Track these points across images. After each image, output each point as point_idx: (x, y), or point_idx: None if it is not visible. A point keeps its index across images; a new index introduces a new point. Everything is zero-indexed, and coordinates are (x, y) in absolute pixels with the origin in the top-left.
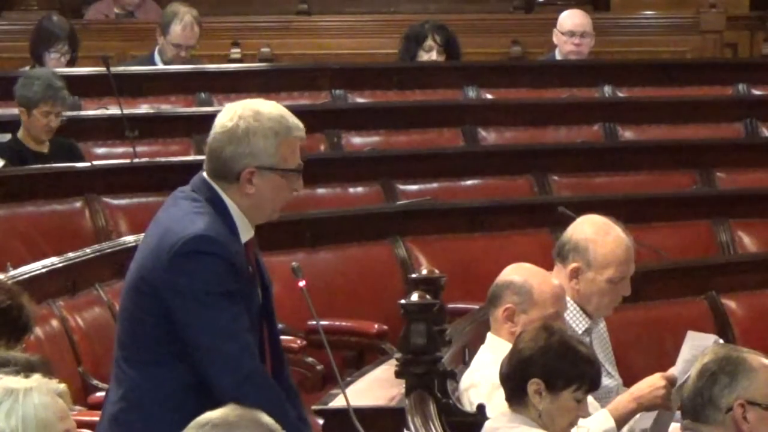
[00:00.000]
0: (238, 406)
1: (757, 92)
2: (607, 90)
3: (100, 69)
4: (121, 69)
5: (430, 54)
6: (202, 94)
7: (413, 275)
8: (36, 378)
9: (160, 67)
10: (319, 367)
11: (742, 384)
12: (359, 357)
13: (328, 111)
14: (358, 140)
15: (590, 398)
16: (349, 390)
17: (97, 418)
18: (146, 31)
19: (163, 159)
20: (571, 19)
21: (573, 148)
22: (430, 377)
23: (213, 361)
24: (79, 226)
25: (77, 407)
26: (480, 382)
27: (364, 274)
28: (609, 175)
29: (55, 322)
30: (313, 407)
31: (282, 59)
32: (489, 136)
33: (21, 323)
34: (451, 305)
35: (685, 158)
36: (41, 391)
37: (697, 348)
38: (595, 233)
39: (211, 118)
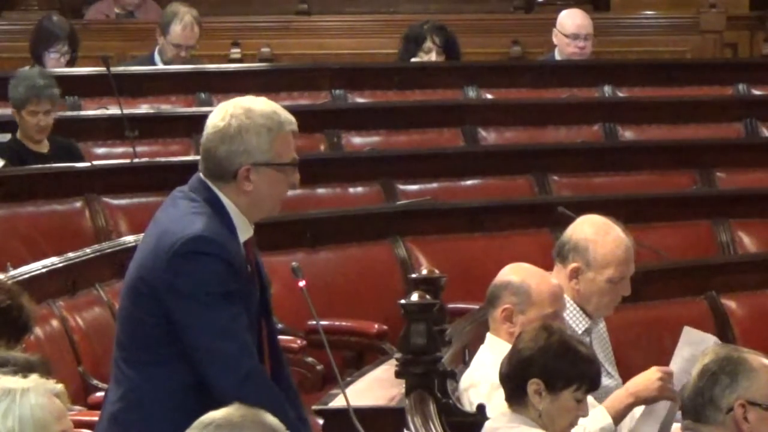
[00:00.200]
0: (242, 406)
1: (757, 92)
2: (607, 90)
3: (100, 69)
4: (121, 69)
5: (429, 55)
6: (202, 94)
7: (413, 275)
8: (33, 378)
9: (160, 67)
10: (319, 367)
11: (743, 384)
12: (359, 357)
13: (328, 111)
14: (358, 140)
15: (590, 398)
16: (349, 390)
17: (96, 418)
18: (146, 31)
19: (163, 159)
20: (572, 20)
21: (573, 148)
22: (430, 377)
23: (212, 361)
24: (79, 226)
25: (77, 407)
26: (479, 382)
27: (364, 274)
28: (609, 175)
29: (55, 322)
30: (313, 407)
31: (282, 59)
32: (489, 136)
33: (21, 323)
34: (451, 305)
35: (685, 158)
36: (38, 392)
37: (694, 345)
38: (595, 233)
39: None
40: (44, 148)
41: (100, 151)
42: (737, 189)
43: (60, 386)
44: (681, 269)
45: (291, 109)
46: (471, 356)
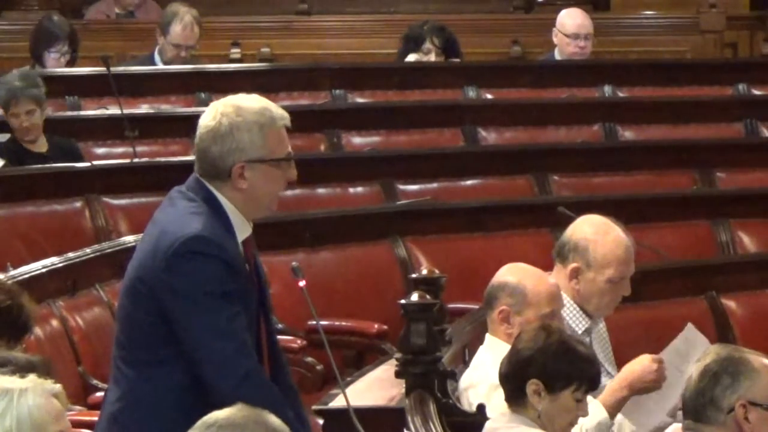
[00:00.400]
0: (245, 407)
1: (757, 92)
2: (607, 90)
3: (100, 69)
4: (121, 69)
5: (429, 56)
6: (202, 94)
7: (413, 275)
8: (31, 378)
9: (160, 67)
10: (319, 367)
11: (744, 384)
12: (359, 357)
13: (328, 111)
14: (358, 140)
15: (590, 398)
16: (349, 390)
17: (96, 418)
18: (146, 31)
19: (163, 159)
20: (573, 20)
21: (573, 148)
22: (430, 377)
23: (211, 361)
24: (79, 226)
25: (77, 407)
26: (479, 383)
27: (364, 274)
28: (609, 175)
29: (55, 322)
30: (313, 407)
31: (282, 59)
32: (489, 136)
33: (21, 323)
34: (451, 305)
35: (685, 158)
36: (36, 392)
37: (689, 343)
38: (595, 233)
39: None
40: (42, 147)
41: (100, 151)
42: (737, 189)
43: (58, 386)
44: (681, 269)
45: (291, 109)
46: (471, 356)
